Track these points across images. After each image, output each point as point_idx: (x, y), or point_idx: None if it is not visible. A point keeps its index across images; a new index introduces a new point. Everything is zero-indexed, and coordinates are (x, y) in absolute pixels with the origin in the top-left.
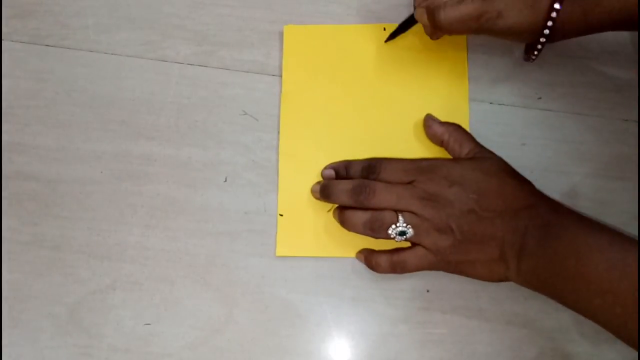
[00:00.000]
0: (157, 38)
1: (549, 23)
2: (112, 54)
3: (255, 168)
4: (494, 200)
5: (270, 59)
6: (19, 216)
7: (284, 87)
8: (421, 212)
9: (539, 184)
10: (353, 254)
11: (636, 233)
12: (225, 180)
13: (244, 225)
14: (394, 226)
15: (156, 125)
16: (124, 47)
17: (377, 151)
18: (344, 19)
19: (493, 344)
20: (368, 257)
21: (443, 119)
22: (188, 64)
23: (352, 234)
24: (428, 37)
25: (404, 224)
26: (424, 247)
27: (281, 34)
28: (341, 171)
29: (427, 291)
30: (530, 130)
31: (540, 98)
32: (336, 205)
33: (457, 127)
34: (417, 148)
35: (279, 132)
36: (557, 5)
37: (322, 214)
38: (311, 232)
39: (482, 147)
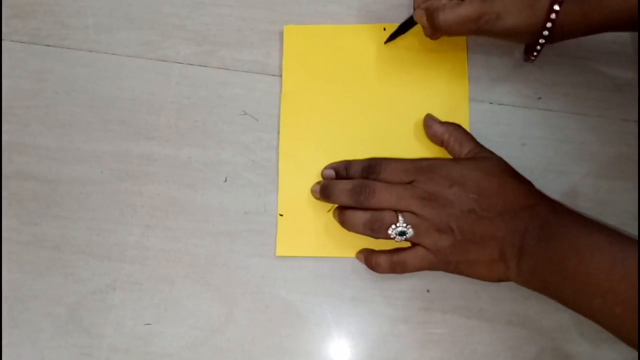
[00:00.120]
0: (157, 38)
1: (548, 24)
2: (112, 54)
3: (255, 168)
4: (494, 200)
5: (270, 59)
6: (19, 216)
7: (284, 87)
8: (421, 212)
9: (539, 184)
10: (353, 254)
11: (636, 233)
12: (225, 180)
13: (244, 225)
14: (393, 226)
15: (156, 125)
16: (124, 47)
17: (377, 151)
18: (344, 19)
19: (493, 344)
20: (368, 257)
21: (443, 119)
22: (188, 64)
23: (352, 234)
24: (428, 41)
25: (404, 224)
26: (424, 247)
27: (281, 34)
28: (341, 171)
29: (427, 291)
30: (530, 130)
31: (540, 98)
32: (336, 205)
33: (457, 127)
34: (417, 148)
35: (279, 132)
36: (556, 7)
37: (322, 214)
38: (311, 232)
39: (482, 147)
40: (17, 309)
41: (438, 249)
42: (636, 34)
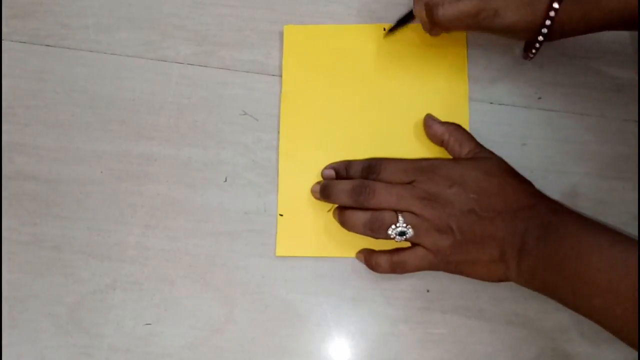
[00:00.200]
0: (157, 38)
1: (548, 22)
2: (112, 54)
3: (255, 168)
4: (494, 200)
5: (270, 59)
6: (19, 216)
7: (284, 87)
8: (421, 212)
9: (539, 184)
10: (353, 254)
11: (636, 233)
12: (225, 180)
13: (244, 225)
14: (393, 226)
15: (156, 125)
16: (124, 47)
17: (377, 151)
18: (344, 19)
19: (493, 344)
20: (368, 257)
21: (443, 118)
22: (188, 64)
23: (352, 234)
24: (428, 37)
25: (404, 224)
26: (424, 247)
27: (281, 34)
28: (341, 171)
29: (427, 291)
30: (531, 130)
31: (540, 98)
32: (336, 205)
33: (457, 127)
34: (417, 148)
35: (279, 132)
36: (555, 5)
37: (322, 214)
38: (311, 232)
39: (482, 147)
40: (17, 309)
41: (438, 249)
42: (636, 33)
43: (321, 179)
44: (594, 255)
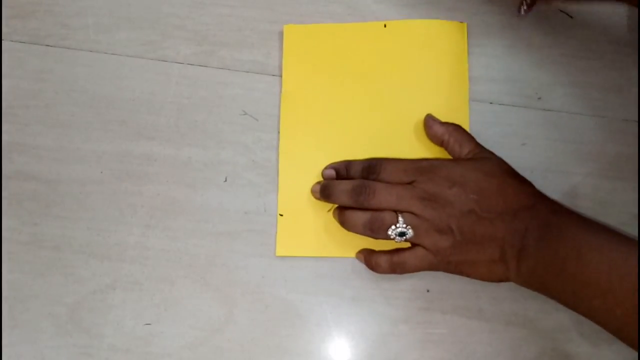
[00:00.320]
0: (157, 38)
1: None
2: (112, 54)
3: (255, 168)
4: (495, 201)
5: (270, 59)
6: (19, 216)
7: (284, 87)
8: (421, 213)
9: (539, 184)
10: (353, 254)
11: (636, 233)
12: (225, 180)
13: (244, 225)
14: (393, 227)
15: (156, 125)
16: (124, 47)
17: (377, 151)
18: (344, 19)
19: (493, 344)
20: (368, 258)
21: (443, 118)
22: (188, 64)
23: (352, 234)
24: (428, 36)
25: (404, 225)
26: (423, 247)
27: (281, 34)
28: (342, 171)
29: (427, 291)
30: (530, 130)
31: (540, 98)
32: (336, 205)
33: (458, 128)
34: (417, 148)
35: (279, 132)
36: None
37: (322, 214)
38: (311, 232)
39: (482, 147)
40: (17, 309)
41: (438, 250)
42: (636, 34)
43: (321, 178)
44: (594, 255)
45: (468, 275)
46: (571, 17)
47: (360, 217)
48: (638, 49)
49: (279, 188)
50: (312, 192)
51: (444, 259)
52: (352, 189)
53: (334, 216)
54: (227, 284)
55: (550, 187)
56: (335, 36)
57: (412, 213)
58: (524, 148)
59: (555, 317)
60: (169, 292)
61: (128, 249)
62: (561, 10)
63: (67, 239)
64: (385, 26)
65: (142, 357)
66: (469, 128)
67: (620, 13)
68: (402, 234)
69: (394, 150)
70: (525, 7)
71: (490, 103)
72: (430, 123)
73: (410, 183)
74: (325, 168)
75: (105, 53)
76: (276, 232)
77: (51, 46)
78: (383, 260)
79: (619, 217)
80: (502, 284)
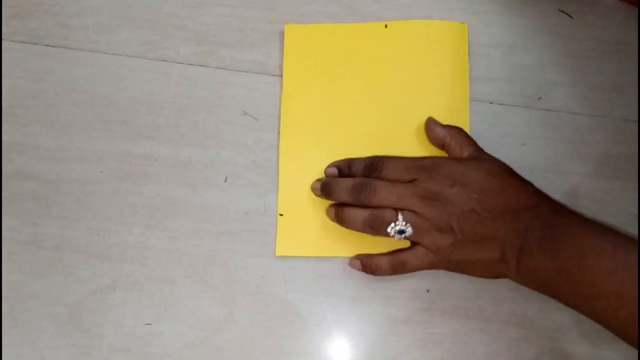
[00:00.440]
0: (157, 38)
1: None
2: (112, 54)
3: (255, 168)
4: (496, 200)
5: (270, 59)
6: (19, 216)
7: (285, 87)
8: (422, 211)
9: (539, 184)
10: (353, 254)
11: (636, 233)
12: (225, 180)
13: (244, 225)
14: (393, 224)
15: (156, 125)
16: (124, 47)
17: (377, 151)
18: (344, 19)
19: (493, 344)
20: (366, 262)
21: (443, 119)
22: (188, 64)
23: (352, 234)
24: (429, 37)
25: (404, 223)
26: (423, 246)
27: (281, 34)
28: (344, 169)
29: (427, 291)
30: (530, 130)
31: (540, 98)
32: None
33: (459, 130)
34: (418, 148)
35: (279, 132)
36: None
37: (322, 215)
38: (311, 232)
39: (482, 150)
40: (17, 309)
41: (438, 248)
42: (636, 34)
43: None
44: (598, 257)
45: (468, 273)
46: (571, 17)
47: (360, 214)
48: (638, 49)
49: (279, 188)
50: (313, 189)
51: (444, 258)
52: (353, 186)
53: (327, 214)
54: (227, 284)
55: (550, 187)
56: (336, 36)
57: (413, 211)
58: (524, 148)
59: (555, 317)
60: (169, 292)
61: (128, 249)
62: (561, 10)
63: (67, 239)
64: (386, 26)
65: (142, 357)
66: (469, 128)
67: (620, 13)
68: (401, 232)
69: (394, 151)
70: None
71: (491, 103)
72: (431, 126)
73: (411, 181)
74: (328, 166)
75: (105, 53)
76: (276, 232)
77: (51, 46)
78: (383, 262)
79: (619, 217)
80: (502, 284)
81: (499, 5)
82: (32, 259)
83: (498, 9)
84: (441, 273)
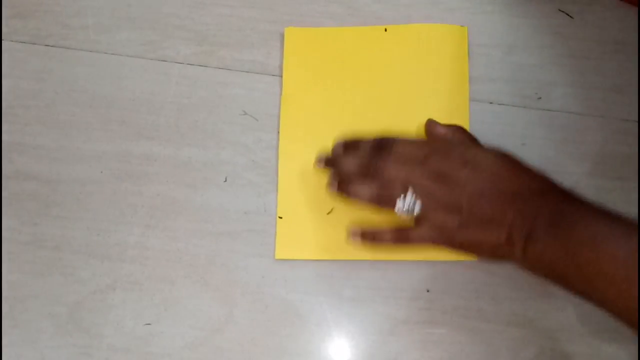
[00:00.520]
0: (157, 38)
1: None
2: (112, 54)
3: (255, 168)
4: (507, 184)
5: (270, 59)
6: (19, 216)
7: (284, 90)
8: (431, 190)
9: None
10: (352, 257)
11: None
12: (225, 180)
13: (244, 225)
14: (401, 200)
15: (156, 125)
16: (124, 47)
17: None
18: (344, 19)
19: (493, 344)
20: (367, 230)
21: (443, 119)
22: (188, 64)
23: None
24: (429, 40)
25: (412, 199)
26: (429, 224)
27: (281, 34)
28: (352, 146)
29: (427, 291)
30: (530, 130)
31: (540, 98)
32: (334, 208)
33: (460, 128)
34: None
35: (279, 133)
36: None
37: (322, 218)
38: (310, 236)
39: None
40: (17, 309)
41: (444, 228)
42: (636, 34)
43: (322, 185)
44: (610, 244)
45: (472, 254)
46: (571, 17)
47: (367, 188)
48: (638, 49)
49: (278, 191)
50: (317, 161)
51: (449, 237)
52: (362, 162)
53: (328, 187)
54: (227, 284)
55: None
56: (335, 39)
57: (422, 190)
58: (524, 148)
59: (555, 317)
60: (169, 292)
61: (128, 249)
62: (561, 10)
63: (67, 239)
64: (385, 30)
65: (142, 357)
66: (469, 128)
67: (620, 13)
68: (409, 208)
69: None
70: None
71: (490, 103)
72: (432, 125)
73: (422, 161)
74: (336, 141)
75: (105, 53)
76: (275, 235)
77: (51, 46)
78: (386, 231)
79: None
80: (502, 284)
81: (499, 5)
82: (32, 259)
83: (498, 9)
84: (441, 272)
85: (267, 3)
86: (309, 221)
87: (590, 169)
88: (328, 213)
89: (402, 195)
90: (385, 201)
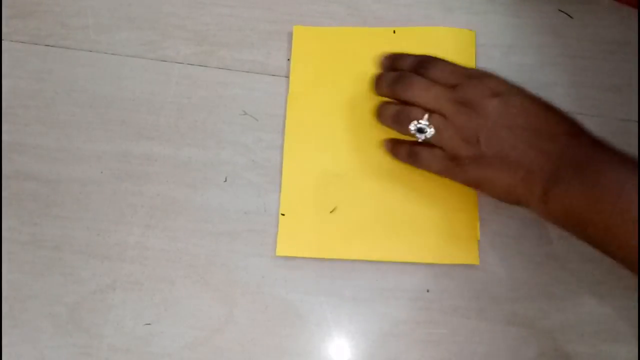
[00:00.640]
0: (157, 38)
1: None
2: (112, 54)
3: (255, 168)
4: (535, 120)
5: (270, 59)
6: (19, 216)
7: (291, 88)
8: (451, 116)
9: None
10: (353, 256)
11: None
12: (225, 180)
13: (244, 225)
14: (416, 122)
15: (156, 125)
16: (124, 47)
17: (384, 155)
18: (344, 19)
19: (493, 344)
20: (389, 144)
21: None
22: (188, 64)
23: (354, 236)
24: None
25: (427, 123)
26: (443, 149)
27: (281, 34)
28: (394, 61)
29: (427, 291)
30: None
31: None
32: (335, 208)
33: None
34: None
35: (279, 132)
36: None
37: (324, 216)
38: (312, 233)
39: None
40: (17, 309)
41: (456, 156)
42: (636, 34)
43: (324, 181)
44: (637, 191)
45: (483, 191)
46: (571, 17)
47: (390, 108)
48: (638, 49)
49: (281, 188)
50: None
51: (462, 169)
52: (394, 77)
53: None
54: (227, 284)
55: None
56: (343, 39)
57: (443, 115)
58: None
59: (555, 317)
60: (169, 292)
61: (128, 249)
62: (561, 10)
63: (67, 239)
64: (394, 32)
65: (142, 357)
66: None
67: (620, 13)
68: (421, 130)
69: None
70: None
71: None
72: None
73: (454, 87)
74: (384, 57)
75: (105, 53)
76: (277, 232)
77: (51, 46)
78: (403, 147)
79: None
80: (502, 284)
81: (499, 5)
82: (32, 259)
83: (498, 9)
84: (441, 272)
85: (267, 3)
86: (311, 219)
87: None
88: (331, 212)
89: (418, 118)
90: (400, 122)
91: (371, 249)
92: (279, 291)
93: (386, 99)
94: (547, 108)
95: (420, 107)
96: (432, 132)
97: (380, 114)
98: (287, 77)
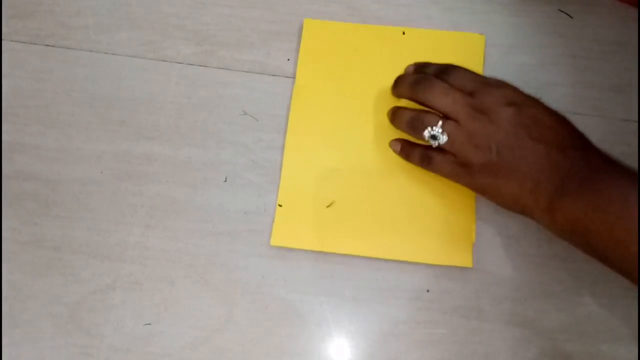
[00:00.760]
0: (157, 38)
1: None
2: (112, 54)
3: (255, 168)
4: (547, 132)
5: (270, 59)
6: (19, 216)
7: (297, 80)
8: (465, 122)
9: None
10: (348, 251)
11: None
12: (225, 180)
13: (244, 225)
14: (430, 129)
15: (156, 125)
16: (124, 47)
17: (385, 154)
18: (344, 19)
19: (493, 344)
20: (405, 145)
21: None
22: (188, 64)
23: (349, 231)
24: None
25: (440, 130)
26: (455, 155)
27: (281, 34)
28: (419, 68)
29: (427, 291)
30: None
31: (540, 98)
32: (333, 202)
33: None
34: None
35: (279, 132)
36: None
37: (321, 209)
38: (308, 225)
39: None
40: (17, 309)
41: (468, 163)
42: (636, 34)
43: (324, 176)
44: None
45: (490, 198)
46: (571, 17)
47: (406, 113)
48: (638, 49)
49: (281, 178)
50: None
51: (472, 176)
52: (415, 79)
53: (388, 115)
54: (227, 284)
55: None
56: (353, 36)
57: (457, 121)
58: None
59: (555, 317)
60: (169, 292)
61: (128, 249)
62: (561, 10)
63: (67, 239)
64: (404, 33)
65: (142, 357)
66: None
67: (620, 13)
68: (434, 137)
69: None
70: None
71: None
72: None
73: (472, 94)
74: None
75: (105, 53)
76: (273, 221)
77: (51, 46)
78: (417, 150)
79: None
80: (502, 284)
81: (499, 5)
82: (32, 259)
83: (498, 9)
84: (441, 272)
85: (267, 3)
86: (307, 212)
87: None
88: (328, 206)
89: (433, 125)
90: (415, 128)
91: (366, 246)
92: (279, 291)
93: (399, 102)
94: (560, 121)
95: (437, 110)
96: (445, 140)
97: (395, 118)
98: (288, 77)
